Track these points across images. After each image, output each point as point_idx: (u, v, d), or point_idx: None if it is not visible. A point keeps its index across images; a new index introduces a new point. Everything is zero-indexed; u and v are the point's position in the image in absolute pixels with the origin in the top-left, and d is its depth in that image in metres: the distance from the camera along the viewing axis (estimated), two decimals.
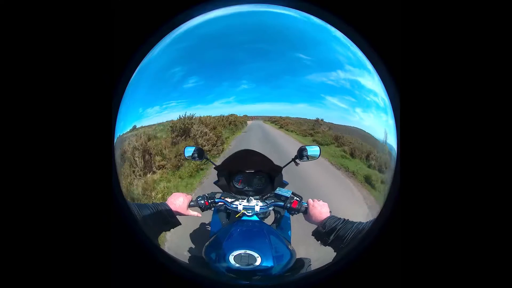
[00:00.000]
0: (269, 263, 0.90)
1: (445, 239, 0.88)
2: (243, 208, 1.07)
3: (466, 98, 0.85)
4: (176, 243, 1.18)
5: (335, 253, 0.98)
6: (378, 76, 1.05)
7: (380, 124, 1.07)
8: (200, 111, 1.31)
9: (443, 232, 0.88)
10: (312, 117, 1.18)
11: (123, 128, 1.15)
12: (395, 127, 0.95)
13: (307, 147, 1.16)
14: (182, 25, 1.07)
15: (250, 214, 1.07)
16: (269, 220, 1.18)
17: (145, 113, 1.37)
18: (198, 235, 1.42)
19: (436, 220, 0.88)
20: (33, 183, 0.83)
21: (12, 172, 0.82)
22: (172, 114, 1.45)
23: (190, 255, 1.09)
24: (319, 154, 1.17)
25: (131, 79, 1.02)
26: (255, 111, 1.20)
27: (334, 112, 1.07)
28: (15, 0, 0.82)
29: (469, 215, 0.86)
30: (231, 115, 1.56)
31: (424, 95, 0.88)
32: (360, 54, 1.09)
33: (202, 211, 1.10)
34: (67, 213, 0.85)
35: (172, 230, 1.05)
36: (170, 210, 1.01)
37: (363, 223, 0.95)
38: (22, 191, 0.83)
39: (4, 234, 0.82)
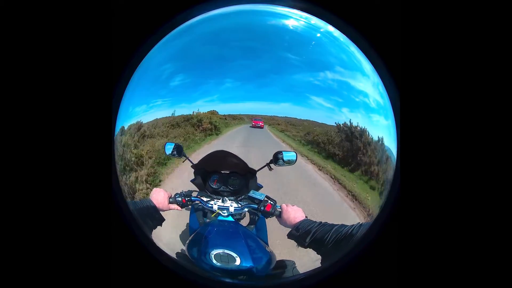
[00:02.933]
0: (248, 263, 0.94)
1: (444, 245, 0.84)
2: (218, 208, 1.09)
3: (466, 99, 0.83)
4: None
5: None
6: (375, 78, 1.02)
7: (369, 124, 1.04)
8: (184, 110, 1.25)
9: (441, 238, 0.84)
10: (297, 116, 1.13)
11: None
12: (395, 128, 0.93)
13: (283, 152, 1.17)
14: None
15: (225, 214, 1.10)
16: (245, 222, 1.18)
17: (134, 112, 1.33)
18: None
19: (435, 225, 0.85)
20: (30, 183, 0.83)
21: (11, 172, 0.82)
22: (157, 112, 1.41)
23: (176, 252, 1.08)
24: (295, 159, 1.17)
25: (130, 81, 1.02)
26: (238, 110, 1.15)
27: (319, 111, 1.02)
28: (15, 0, 0.82)
29: (470, 221, 0.83)
30: None
31: (425, 95, 0.86)
32: (356, 56, 1.06)
33: (181, 208, 1.13)
34: (65, 212, 0.84)
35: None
36: (154, 205, 1.06)
37: (346, 226, 0.93)
38: (20, 191, 0.82)
39: (3, 232, 0.81)
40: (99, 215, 0.85)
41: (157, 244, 0.97)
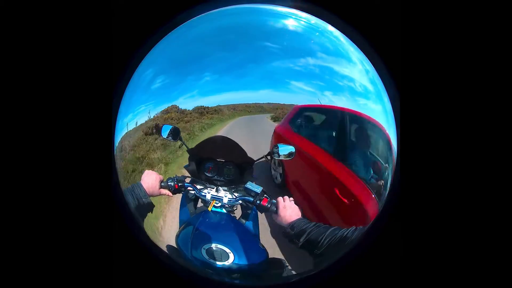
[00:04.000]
0: (243, 260, 0.92)
1: (444, 248, 0.83)
2: (211, 198, 1.05)
3: (465, 97, 0.83)
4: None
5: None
6: (364, 65, 1.02)
7: (357, 108, 1.00)
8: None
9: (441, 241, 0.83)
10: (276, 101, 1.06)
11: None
12: (395, 127, 0.93)
13: (279, 146, 1.10)
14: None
15: (218, 205, 1.06)
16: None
17: (122, 124, 1.30)
18: None
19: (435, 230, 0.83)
20: (30, 182, 0.83)
21: (11, 172, 0.83)
22: (140, 119, 1.36)
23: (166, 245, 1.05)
24: (294, 153, 1.10)
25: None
26: (217, 101, 1.10)
27: (300, 95, 0.99)
28: (15, 0, 0.83)
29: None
30: None
31: (424, 93, 0.86)
32: (343, 45, 1.05)
33: (172, 194, 1.09)
34: (65, 212, 0.84)
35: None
36: (144, 189, 1.01)
37: (341, 229, 0.92)
38: (20, 191, 0.83)
39: (3, 233, 0.82)
40: (98, 213, 0.85)
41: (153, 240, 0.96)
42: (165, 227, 1.14)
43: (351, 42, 1.02)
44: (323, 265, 0.90)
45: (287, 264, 1.00)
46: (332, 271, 0.90)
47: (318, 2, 0.97)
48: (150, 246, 0.94)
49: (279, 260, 1.01)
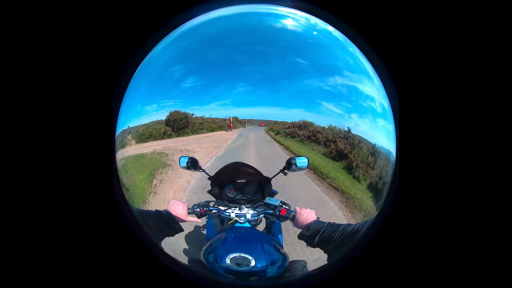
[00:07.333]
0: (262, 265, 0.98)
1: (443, 241, 0.89)
2: (236, 216, 1.15)
3: (464, 102, 0.86)
4: (174, 245, 1.23)
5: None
6: (378, 80, 1.06)
7: (376, 130, 1.07)
8: (196, 111, 1.28)
9: (440, 236, 0.89)
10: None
11: (122, 126, 1.17)
12: (395, 130, 0.97)
13: (296, 158, 1.21)
14: (183, 24, 1.09)
15: (242, 221, 1.16)
16: (261, 227, 1.23)
17: (143, 110, 1.36)
18: (194, 237, 1.44)
19: (433, 225, 0.89)
20: (34, 189, 0.86)
21: (14, 174, 0.85)
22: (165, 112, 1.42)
23: (188, 258, 1.15)
24: (307, 165, 1.22)
25: (133, 78, 1.06)
26: (250, 114, 1.19)
27: (329, 117, 1.07)
28: (15, 0, 0.83)
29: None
30: None
31: (424, 97, 0.88)
32: (360, 58, 1.09)
33: (198, 218, 1.19)
34: (67, 216, 0.87)
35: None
36: (173, 216, 1.10)
37: (351, 225, 0.99)
38: (24, 199, 0.85)
39: (7, 239, 0.84)
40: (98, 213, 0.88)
41: (164, 249, 1.03)
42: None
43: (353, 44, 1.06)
44: (337, 258, 0.98)
45: (305, 265, 1.08)
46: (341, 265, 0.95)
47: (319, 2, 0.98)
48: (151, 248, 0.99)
49: (297, 262, 1.09)
